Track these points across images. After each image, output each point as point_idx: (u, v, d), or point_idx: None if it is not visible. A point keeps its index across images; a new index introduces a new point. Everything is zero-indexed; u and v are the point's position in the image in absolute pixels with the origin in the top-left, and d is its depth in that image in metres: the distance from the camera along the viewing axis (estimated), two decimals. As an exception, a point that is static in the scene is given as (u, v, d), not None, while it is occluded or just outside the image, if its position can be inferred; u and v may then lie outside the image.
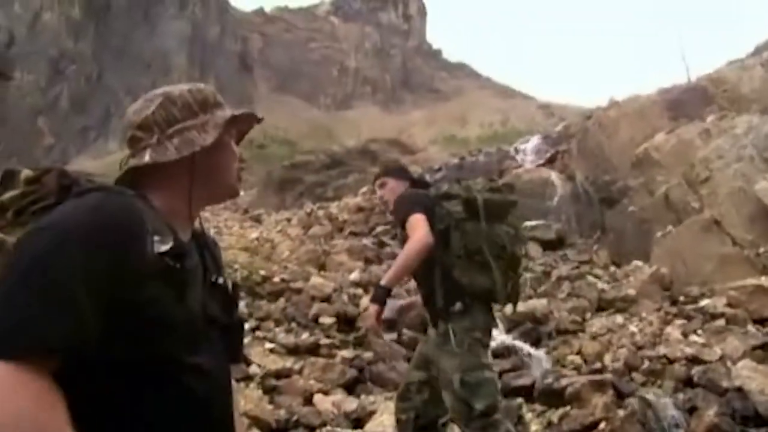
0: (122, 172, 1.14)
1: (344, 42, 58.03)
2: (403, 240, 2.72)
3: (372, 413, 3.73)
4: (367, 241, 9.60)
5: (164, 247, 1.02)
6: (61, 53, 47.50)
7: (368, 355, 4.81)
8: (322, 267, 8.22)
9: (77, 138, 46.10)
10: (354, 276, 7.14)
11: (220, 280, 1.18)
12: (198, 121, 1.15)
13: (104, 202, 1.01)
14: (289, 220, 12.69)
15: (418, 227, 2.60)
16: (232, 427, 1.16)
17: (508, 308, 6.15)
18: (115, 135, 45.41)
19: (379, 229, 10.34)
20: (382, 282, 2.67)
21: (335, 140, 35.57)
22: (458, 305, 2.62)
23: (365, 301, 6.07)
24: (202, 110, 1.17)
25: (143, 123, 1.14)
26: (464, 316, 2.63)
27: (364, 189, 14.33)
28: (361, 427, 3.67)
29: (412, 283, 3.73)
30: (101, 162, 40.66)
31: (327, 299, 6.09)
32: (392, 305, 2.94)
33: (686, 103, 10.60)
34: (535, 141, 14.32)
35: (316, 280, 6.55)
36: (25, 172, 1.08)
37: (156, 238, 1.02)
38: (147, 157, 1.12)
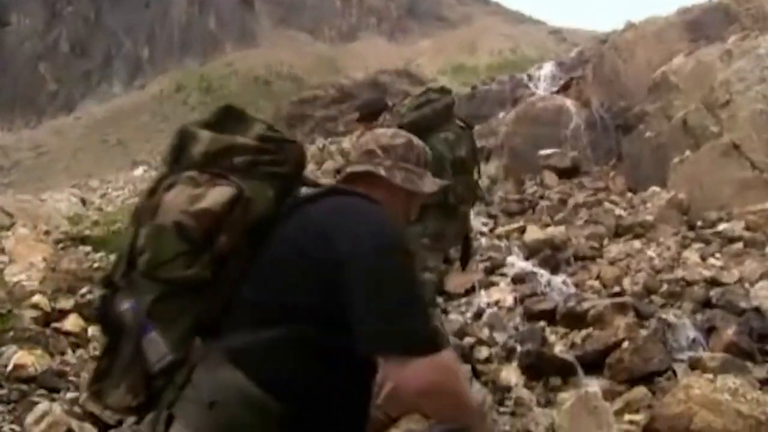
0: (346, 174, 1.46)
1: (346, -30, 55.82)
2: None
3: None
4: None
5: None
6: (57, -6, 46.22)
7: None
8: (339, 202, 8.28)
9: (80, 82, 45.41)
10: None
11: None
12: (419, 171, 1.49)
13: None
14: (301, 157, 12.69)
15: None
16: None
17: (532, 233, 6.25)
18: (119, 77, 44.78)
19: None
20: None
21: (342, 73, 34.88)
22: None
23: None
24: (425, 167, 1.52)
25: (386, 147, 1.46)
26: (416, 222, 2.79)
27: (376, 123, 14.22)
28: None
29: None
30: (107, 105, 40.31)
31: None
32: None
33: (707, 23, 10.25)
34: (548, 68, 14.00)
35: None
36: (260, 126, 1.31)
37: None
38: (382, 171, 1.43)
